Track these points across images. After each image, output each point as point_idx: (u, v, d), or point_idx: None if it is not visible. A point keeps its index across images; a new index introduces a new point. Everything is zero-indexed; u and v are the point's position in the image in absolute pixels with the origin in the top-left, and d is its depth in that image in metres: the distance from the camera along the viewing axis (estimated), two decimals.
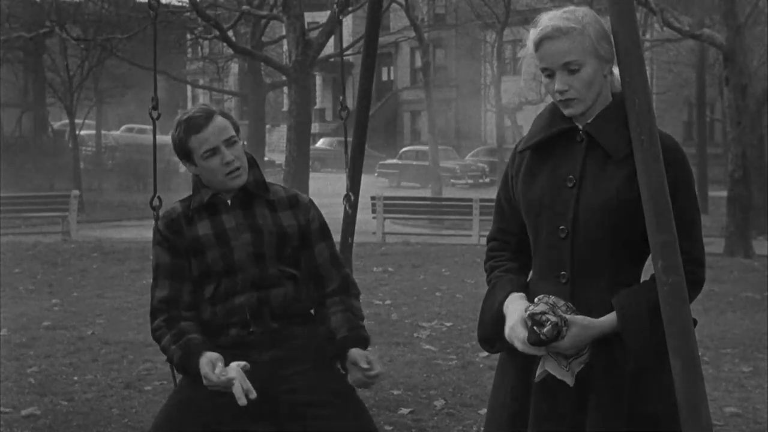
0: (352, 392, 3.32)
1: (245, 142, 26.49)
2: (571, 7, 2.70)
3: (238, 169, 3.25)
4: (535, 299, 2.61)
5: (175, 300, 3.26)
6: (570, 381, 2.65)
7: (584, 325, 2.60)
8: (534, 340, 2.57)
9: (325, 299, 3.36)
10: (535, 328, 2.56)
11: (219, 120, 3.25)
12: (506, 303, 2.71)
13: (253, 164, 3.36)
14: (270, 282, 3.26)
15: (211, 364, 3.09)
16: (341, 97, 4.46)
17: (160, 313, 3.27)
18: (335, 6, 4.60)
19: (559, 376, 2.65)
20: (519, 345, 2.62)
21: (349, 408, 3.25)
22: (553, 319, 2.56)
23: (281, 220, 3.32)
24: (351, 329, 3.29)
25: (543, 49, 2.65)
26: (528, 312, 2.58)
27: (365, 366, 3.19)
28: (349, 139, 4.51)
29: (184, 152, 3.28)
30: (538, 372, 2.67)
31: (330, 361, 3.30)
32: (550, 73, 2.67)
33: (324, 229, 3.41)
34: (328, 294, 3.36)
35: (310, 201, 3.44)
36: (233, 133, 3.27)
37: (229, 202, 3.31)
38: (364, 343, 3.29)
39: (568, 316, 2.58)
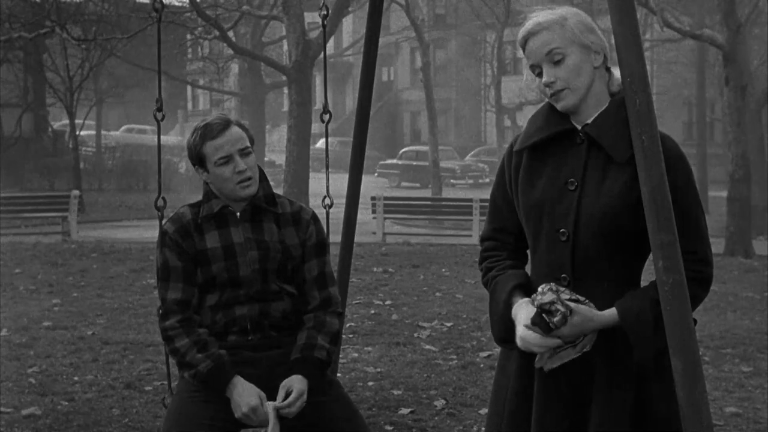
0: (335, 382, 3.50)
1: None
2: (555, 6, 2.75)
3: (249, 178, 3.32)
4: (539, 288, 2.61)
5: (187, 302, 3.34)
6: (542, 364, 2.66)
7: (587, 317, 2.59)
8: (544, 328, 2.59)
9: (303, 315, 3.44)
10: (544, 316, 2.57)
11: (235, 130, 3.32)
12: (514, 310, 2.69)
13: (263, 177, 3.42)
14: (271, 296, 3.36)
15: (251, 408, 3.21)
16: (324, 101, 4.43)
17: (174, 314, 3.32)
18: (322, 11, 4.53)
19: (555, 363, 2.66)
20: (535, 348, 2.63)
21: (334, 393, 3.40)
22: (561, 309, 2.57)
23: (285, 238, 3.40)
24: (305, 349, 3.33)
25: (528, 47, 2.71)
26: (537, 303, 2.59)
27: (281, 401, 3.25)
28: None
29: (198, 158, 3.34)
30: (545, 366, 2.68)
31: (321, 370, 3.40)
32: (539, 71, 2.70)
33: (320, 246, 3.47)
34: (308, 311, 3.44)
35: (313, 216, 3.49)
36: (248, 144, 3.34)
37: (238, 214, 3.38)
38: (316, 366, 3.33)
39: (572, 306, 2.59)
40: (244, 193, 3.33)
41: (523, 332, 2.63)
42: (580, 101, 2.69)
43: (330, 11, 4.48)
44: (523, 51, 2.72)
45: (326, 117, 4.31)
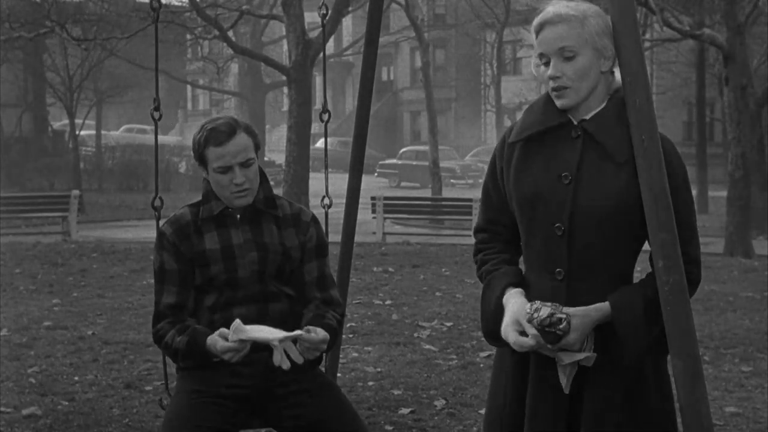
0: (333, 385, 3.48)
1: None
2: (578, 0, 2.71)
3: (246, 190, 3.26)
4: (533, 305, 2.60)
5: (181, 307, 3.31)
6: (565, 385, 2.66)
7: (582, 314, 2.60)
8: (553, 339, 2.57)
9: (304, 309, 3.40)
10: (547, 329, 2.56)
11: (241, 138, 3.24)
12: (505, 298, 2.70)
13: (263, 179, 3.37)
14: (269, 297, 3.33)
15: (221, 336, 3.11)
16: (324, 101, 4.44)
17: (165, 318, 3.31)
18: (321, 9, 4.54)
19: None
20: (514, 342, 2.63)
21: (332, 395, 3.37)
22: (563, 316, 2.56)
23: (285, 240, 3.35)
24: (315, 319, 3.28)
25: (542, 35, 2.67)
26: (537, 321, 2.57)
27: (308, 335, 3.11)
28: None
29: (200, 157, 3.29)
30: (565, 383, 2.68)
31: (312, 363, 3.32)
32: (546, 60, 2.68)
33: (320, 248, 3.44)
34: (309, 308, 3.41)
35: (312, 218, 3.45)
36: (251, 155, 3.26)
37: (238, 216, 3.34)
38: (327, 331, 3.23)
39: (570, 310, 2.59)
40: (238, 203, 3.29)
41: (516, 338, 2.63)
42: (581, 101, 2.69)
43: (330, 11, 4.49)
44: (536, 37, 2.69)
45: (325, 116, 4.31)
